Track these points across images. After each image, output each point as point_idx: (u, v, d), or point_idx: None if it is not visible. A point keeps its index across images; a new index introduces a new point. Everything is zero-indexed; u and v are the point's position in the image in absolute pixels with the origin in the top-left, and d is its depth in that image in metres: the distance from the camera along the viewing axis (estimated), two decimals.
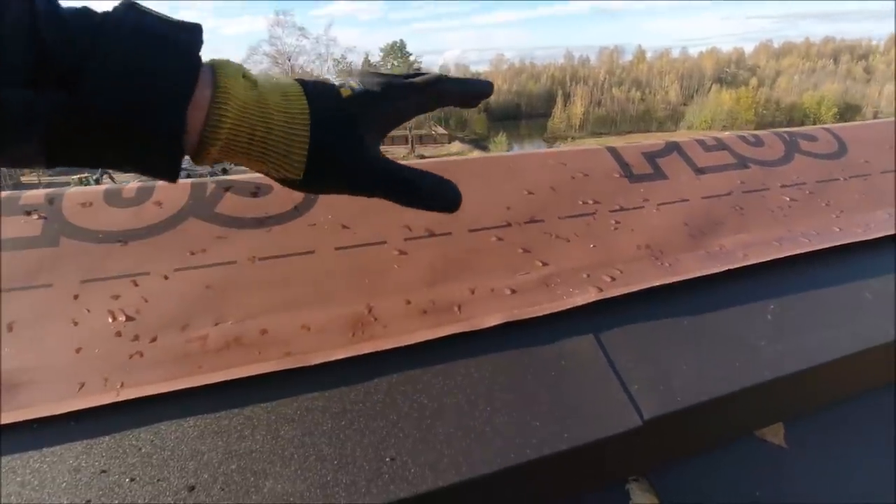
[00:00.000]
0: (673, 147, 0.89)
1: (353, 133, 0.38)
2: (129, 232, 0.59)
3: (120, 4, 0.31)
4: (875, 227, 0.83)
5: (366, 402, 0.51)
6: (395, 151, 41.35)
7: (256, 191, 0.65)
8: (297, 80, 0.38)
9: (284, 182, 0.40)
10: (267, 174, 0.40)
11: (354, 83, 0.40)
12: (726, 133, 0.98)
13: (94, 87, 0.28)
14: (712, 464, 0.64)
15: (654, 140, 0.91)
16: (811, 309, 0.71)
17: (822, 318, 0.70)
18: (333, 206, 0.66)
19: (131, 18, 0.30)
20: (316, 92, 0.38)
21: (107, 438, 0.46)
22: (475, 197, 0.72)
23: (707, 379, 0.60)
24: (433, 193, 0.46)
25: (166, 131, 0.31)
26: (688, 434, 0.63)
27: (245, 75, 0.35)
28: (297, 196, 0.66)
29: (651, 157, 0.86)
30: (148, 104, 0.30)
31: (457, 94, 0.45)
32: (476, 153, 40.49)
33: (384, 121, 0.41)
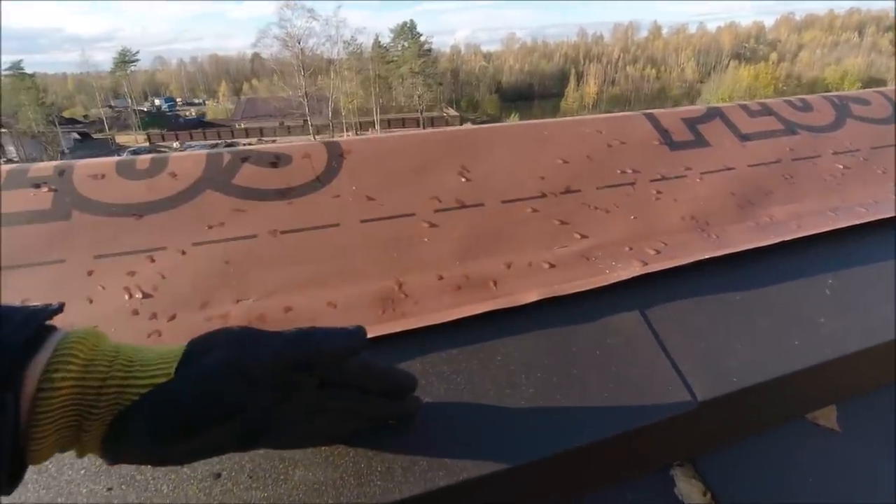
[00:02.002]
0: (715, 112, 0.83)
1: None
2: (143, 205, 0.56)
3: None
4: None
5: None
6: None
7: (276, 161, 0.61)
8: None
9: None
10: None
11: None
12: (771, 98, 0.92)
13: None
14: (760, 448, 0.60)
15: (694, 106, 0.85)
16: (872, 282, 0.65)
17: (883, 292, 0.64)
18: (358, 177, 0.62)
19: None
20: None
21: None
22: (507, 166, 0.67)
23: (763, 358, 0.55)
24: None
25: None
26: (738, 417, 0.58)
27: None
28: (319, 166, 0.62)
29: (692, 123, 0.81)
30: None
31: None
32: None
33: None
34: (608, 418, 0.48)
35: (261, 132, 41.66)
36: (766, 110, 0.86)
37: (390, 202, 0.61)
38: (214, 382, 0.33)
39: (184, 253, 0.53)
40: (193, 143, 39.63)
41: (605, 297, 0.57)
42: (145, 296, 0.50)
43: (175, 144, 38.94)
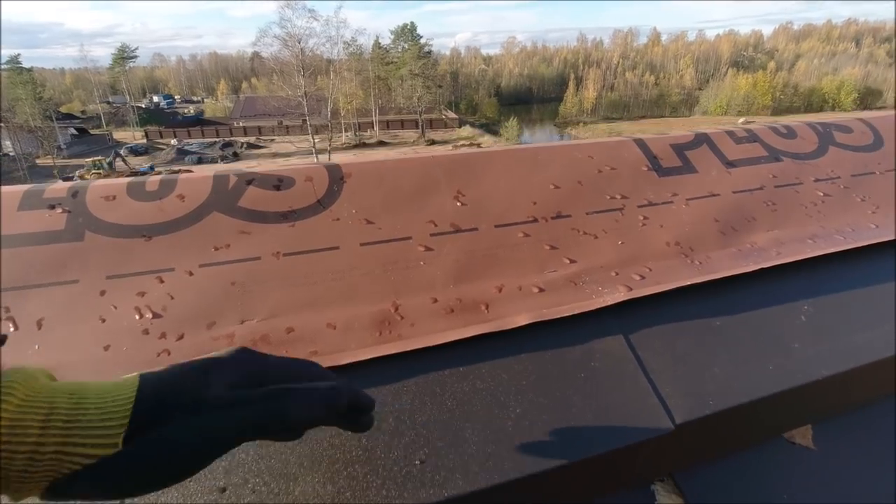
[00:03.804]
0: (702, 139, 0.87)
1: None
2: (152, 226, 0.58)
3: None
4: None
5: (394, 404, 0.51)
6: (405, 136, 41.14)
7: (279, 183, 0.64)
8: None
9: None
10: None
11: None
12: (757, 124, 0.95)
13: None
14: (739, 465, 0.63)
15: (681, 131, 0.88)
16: (846, 309, 0.69)
17: (857, 319, 0.68)
18: (357, 200, 0.65)
19: None
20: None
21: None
22: (501, 190, 0.70)
23: (739, 382, 0.58)
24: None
25: None
26: (716, 436, 0.61)
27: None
28: (321, 189, 0.65)
29: (680, 149, 0.84)
30: None
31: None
32: (487, 138, 40.12)
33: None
34: (591, 439, 0.51)
35: (259, 131, 41.61)
36: (752, 137, 0.89)
37: (388, 225, 0.64)
38: (170, 451, 0.31)
39: (191, 274, 0.56)
40: (191, 140, 39.54)
41: (591, 321, 0.60)
42: (155, 315, 0.52)
43: (173, 141, 38.84)
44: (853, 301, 0.70)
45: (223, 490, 0.43)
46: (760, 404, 0.58)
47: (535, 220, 0.69)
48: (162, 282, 0.55)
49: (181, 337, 0.52)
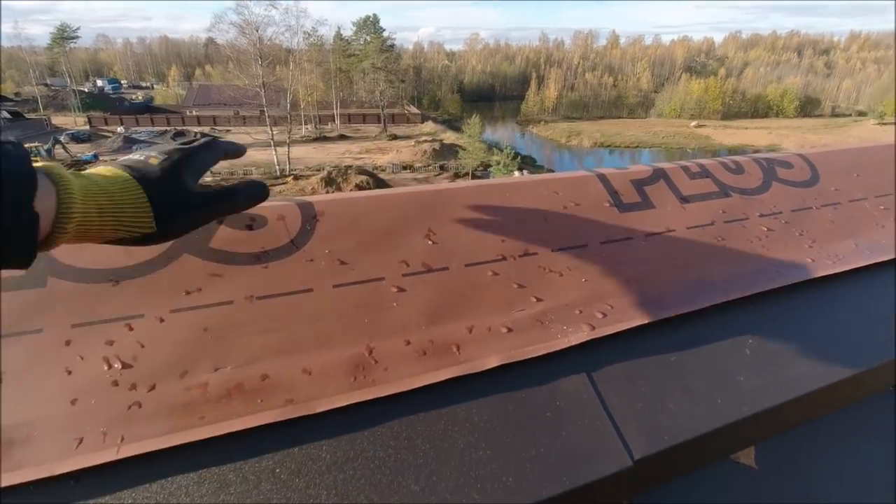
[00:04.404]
0: (660, 174, 0.92)
1: (175, 181, 0.48)
2: (120, 270, 0.57)
3: None
4: (845, 258, 0.88)
5: (369, 451, 0.52)
6: (367, 130, 40.63)
7: (251, 223, 0.64)
8: (110, 166, 0.47)
9: (140, 241, 0.47)
10: (121, 241, 0.46)
11: (154, 154, 0.49)
12: (708, 159, 1.01)
13: None
14: (689, 486, 0.68)
15: (641, 166, 0.93)
16: (786, 342, 0.75)
17: (796, 351, 0.74)
18: (331, 240, 0.65)
19: None
20: (131, 165, 0.47)
21: (109, 498, 0.45)
22: (471, 228, 0.72)
23: (691, 416, 0.63)
24: (248, 194, 0.55)
25: (21, 219, 0.36)
26: (669, 465, 0.66)
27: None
28: (293, 228, 0.65)
29: (639, 184, 0.89)
30: (4, 198, 0.34)
31: (224, 148, 0.57)
32: (449, 134, 40.09)
33: (192, 170, 0.51)
34: (555, 477, 0.54)
35: (214, 121, 40.11)
36: (704, 172, 0.95)
37: (361, 266, 0.65)
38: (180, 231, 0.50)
39: (162, 320, 0.55)
40: (140, 128, 37.65)
41: (556, 360, 0.64)
42: (125, 366, 0.52)
43: (119, 129, 36.87)
44: (792, 333, 0.76)
45: None
46: (712, 434, 0.63)
47: (504, 259, 0.71)
48: (131, 329, 0.54)
49: (152, 388, 0.51)
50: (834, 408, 0.76)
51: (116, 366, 0.52)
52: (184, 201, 0.48)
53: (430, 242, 0.69)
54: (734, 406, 0.65)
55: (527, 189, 0.81)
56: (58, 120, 42.56)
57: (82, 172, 0.44)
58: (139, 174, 0.46)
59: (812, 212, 0.96)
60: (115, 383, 0.51)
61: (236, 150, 0.59)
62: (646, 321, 0.69)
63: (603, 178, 0.87)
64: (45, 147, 27.32)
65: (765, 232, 0.89)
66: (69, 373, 0.50)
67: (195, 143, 0.53)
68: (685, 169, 0.95)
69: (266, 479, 0.48)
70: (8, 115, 37.33)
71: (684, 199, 0.89)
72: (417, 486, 0.51)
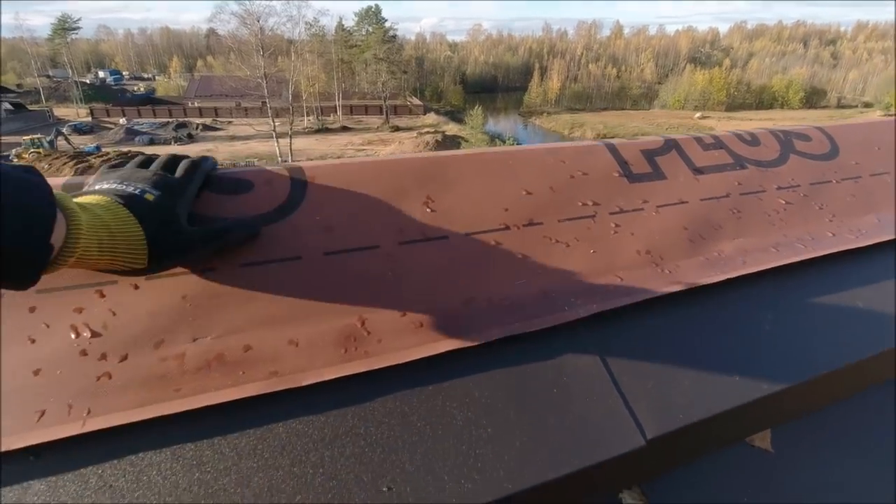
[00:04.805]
0: (671, 145, 0.87)
1: (171, 220, 0.49)
2: None
3: None
4: (867, 232, 0.83)
5: (360, 427, 0.48)
6: (369, 121, 40.45)
7: (236, 188, 0.60)
8: (105, 195, 0.47)
9: (130, 273, 0.48)
10: (114, 271, 0.48)
11: (149, 190, 0.50)
12: (722, 131, 0.96)
13: None
14: (702, 470, 0.64)
15: (652, 137, 0.88)
16: (807, 318, 0.70)
17: (817, 328, 0.69)
18: (321, 206, 0.61)
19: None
20: (127, 196, 0.48)
21: (72, 475, 0.41)
22: (472, 197, 0.68)
23: (707, 395, 0.59)
24: (239, 235, 0.55)
25: (39, 252, 0.37)
26: (683, 446, 0.62)
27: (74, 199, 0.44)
28: (282, 195, 0.61)
29: (650, 154, 0.84)
30: (28, 231, 0.36)
31: (206, 170, 0.58)
32: (451, 125, 39.89)
33: (184, 203, 0.52)
34: (563, 458, 0.50)
35: (216, 112, 39.97)
36: (719, 144, 0.90)
37: (355, 234, 0.60)
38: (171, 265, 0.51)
39: (136, 287, 0.51)
40: (142, 120, 37.55)
41: (563, 334, 0.59)
42: (94, 335, 0.48)
43: (122, 120, 36.75)
44: (812, 311, 0.72)
45: None
46: (727, 414, 0.59)
47: (507, 228, 0.67)
48: (103, 296, 0.50)
49: (124, 358, 0.47)
50: (861, 388, 0.72)
51: (85, 334, 0.47)
52: (178, 242, 0.49)
53: (428, 210, 0.65)
54: (753, 384, 0.61)
55: (532, 158, 0.76)
56: (60, 111, 42.46)
57: (83, 202, 0.45)
58: (137, 212, 0.47)
59: (832, 185, 0.91)
60: (84, 353, 0.46)
61: (214, 167, 0.60)
62: (658, 294, 0.65)
63: (612, 148, 0.83)
64: (48, 139, 27.21)
65: (783, 205, 0.84)
66: (32, 341, 0.46)
67: (183, 175, 0.54)
68: (698, 140, 0.90)
69: (247, 457, 0.44)
70: (10, 107, 37.20)
71: (698, 171, 0.84)
72: (412, 465, 0.47)
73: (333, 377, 0.49)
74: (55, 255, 0.39)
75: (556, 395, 0.54)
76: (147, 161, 0.55)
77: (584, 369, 0.57)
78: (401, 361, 0.52)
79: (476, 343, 0.55)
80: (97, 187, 0.50)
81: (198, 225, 0.52)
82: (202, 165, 0.57)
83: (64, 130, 30.12)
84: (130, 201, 0.47)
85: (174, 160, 0.56)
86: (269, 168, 0.63)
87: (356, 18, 48.09)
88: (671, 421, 0.55)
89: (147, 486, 0.41)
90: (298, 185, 0.62)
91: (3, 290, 0.47)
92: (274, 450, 0.45)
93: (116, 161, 0.56)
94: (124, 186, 0.49)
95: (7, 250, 0.35)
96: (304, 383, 0.48)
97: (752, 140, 0.94)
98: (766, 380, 0.62)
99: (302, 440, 0.46)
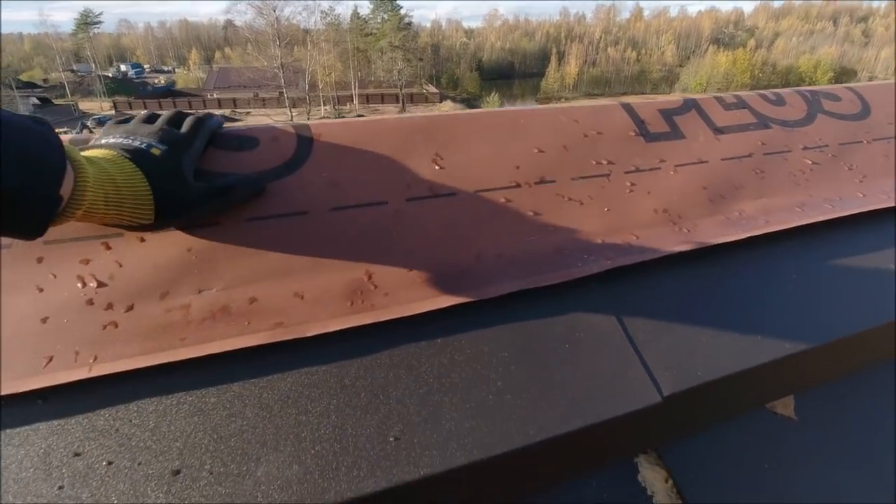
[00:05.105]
0: (691, 104, 0.83)
1: (177, 175, 0.49)
2: None
3: None
4: None
5: (367, 378, 0.47)
6: (385, 110, 40.38)
7: (241, 144, 0.59)
8: (111, 149, 0.47)
9: (137, 228, 0.49)
10: (121, 226, 0.48)
11: (155, 145, 0.49)
12: (745, 91, 0.92)
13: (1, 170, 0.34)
14: (722, 437, 0.62)
15: (671, 97, 0.85)
16: (834, 279, 0.67)
17: (844, 290, 0.66)
18: (328, 163, 0.60)
19: (5, 117, 0.36)
20: (133, 151, 0.47)
21: (80, 418, 0.41)
22: (482, 155, 0.66)
23: (726, 354, 0.57)
24: (244, 191, 0.54)
25: (47, 202, 0.37)
26: (701, 408, 0.60)
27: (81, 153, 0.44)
28: (287, 151, 0.60)
29: (668, 114, 0.81)
30: (38, 181, 0.36)
31: (211, 128, 0.57)
32: None
33: (190, 158, 0.52)
34: (576, 412, 0.48)
35: (234, 103, 40.31)
36: (741, 103, 0.87)
37: (362, 190, 0.59)
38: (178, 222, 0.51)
39: (142, 240, 0.51)
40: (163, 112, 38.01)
41: (575, 290, 0.57)
42: (100, 285, 0.47)
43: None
44: (840, 271, 0.69)
45: (176, 472, 0.39)
46: (747, 374, 0.57)
47: (518, 186, 0.65)
48: (109, 248, 0.50)
49: (130, 308, 0.47)
50: (892, 353, 0.69)
51: (92, 285, 0.47)
52: (184, 197, 0.49)
53: (436, 168, 0.63)
54: (775, 344, 0.59)
55: (544, 117, 0.74)
56: (84, 105, 43.32)
57: (89, 155, 0.45)
58: (143, 166, 0.47)
59: (862, 146, 0.87)
60: (90, 302, 0.46)
61: (220, 125, 0.59)
62: (675, 252, 0.63)
63: (628, 107, 0.80)
64: (74, 132, 27.89)
65: (809, 165, 0.80)
66: (40, 290, 0.46)
67: (188, 130, 0.53)
68: (719, 100, 0.86)
69: (251, 405, 0.44)
70: (37, 102, 38.06)
71: (718, 130, 0.81)
72: (419, 417, 0.46)
73: (339, 328, 0.49)
74: (63, 206, 0.39)
75: (568, 351, 0.53)
76: (153, 117, 0.55)
77: (598, 325, 0.55)
78: (408, 314, 0.51)
79: (486, 298, 0.54)
80: (103, 141, 0.49)
81: (204, 181, 0.51)
82: (208, 122, 0.57)
83: (89, 124, 30.74)
84: (137, 155, 0.47)
85: (180, 116, 0.56)
86: (275, 125, 0.62)
87: (371, 6, 47.82)
88: (689, 378, 0.54)
89: (152, 431, 0.41)
90: (305, 141, 0.61)
91: (12, 241, 0.48)
92: (279, 398, 0.45)
93: (122, 118, 0.55)
94: (130, 140, 0.48)
95: (16, 199, 0.35)
96: (310, 334, 0.48)
97: (777, 100, 0.90)
98: (788, 340, 0.59)
99: (308, 390, 0.46)
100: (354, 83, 42.79)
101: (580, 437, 0.49)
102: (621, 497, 0.54)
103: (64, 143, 0.40)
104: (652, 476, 0.58)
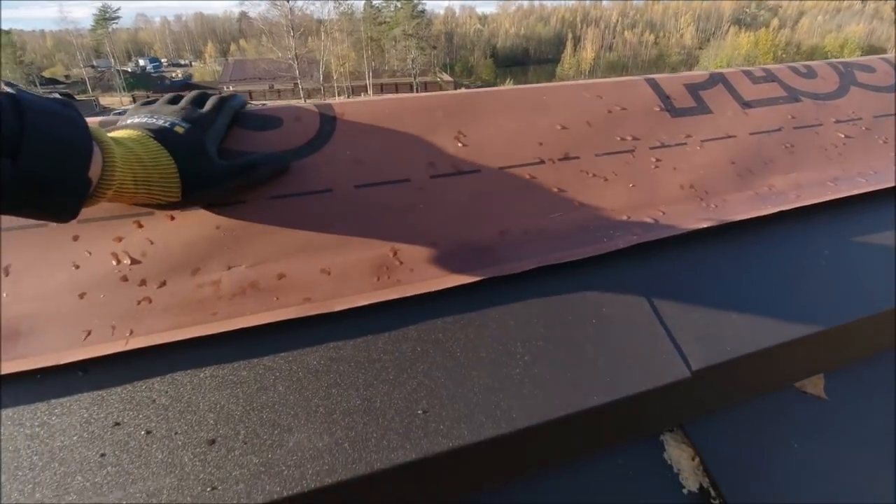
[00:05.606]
0: (717, 78, 0.81)
1: (202, 152, 0.50)
2: None
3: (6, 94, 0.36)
4: None
5: (394, 352, 0.48)
6: None
7: (265, 124, 0.59)
8: (136, 129, 0.48)
9: (165, 207, 0.50)
10: (149, 204, 0.49)
11: (179, 123, 0.50)
12: (775, 64, 0.90)
13: (30, 156, 0.35)
14: (749, 415, 0.61)
15: (697, 71, 0.83)
16: (867, 255, 0.65)
17: (878, 265, 0.65)
18: (351, 141, 0.60)
19: (31, 100, 0.36)
20: (157, 130, 0.48)
21: (118, 389, 0.42)
22: (505, 132, 0.65)
23: (757, 328, 0.56)
24: (269, 168, 0.55)
25: (77, 185, 0.38)
26: (729, 385, 0.59)
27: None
28: (311, 129, 0.60)
29: (694, 89, 0.79)
30: (66, 164, 0.37)
31: (234, 107, 0.58)
32: None
33: (213, 136, 0.52)
34: (603, 386, 0.48)
35: (250, 95, 40.57)
36: (770, 76, 0.84)
37: (385, 167, 0.59)
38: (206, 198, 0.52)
39: (173, 218, 0.51)
40: None
41: (601, 266, 0.57)
42: (134, 262, 0.48)
43: None
44: (873, 246, 0.67)
45: (212, 442, 0.40)
46: (777, 351, 0.56)
47: (542, 162, 0.64)
48: (141, 226, 0.51)
49: (163, 284, 0.48)
50: None
51: (125, 262, 0.48)
52: (209, 174, 0.50)
53: (459, 145, 0.63)
54: (806, 319, 0.57)
55: (567, 93, 0.73)
56: (105, 100, 44.04)
57: (116, 136, 0.45)
58: (168, 145, 0.47)
59: None
60: (125, 279, 0.47)
61: (242, 105, 0.60)
62: (702, 227, 0.61)
63: (653, 82, 0.78)
64: None
65: (842, 139, 0.78)
66: (77, 267, 0.47)
67: (211, 109, 0.54)
68: (747, 73, 0.84)
69: (282, 378, 0.45)
70: (59, 98, 38.78)
71: (746, 105, 0.79)
72: (447, 390, 0.46)
73: (367, 303, 0.49)
74: (93, 188, 0.40)
75: (595, 325, 0.52)
76: (176, 98, 0.55)
77: (625, 301, 0.55)
78: (434, 289, 0.51)
79: (511, 273, 0.54)
80: (128, 122, 0.50)
81: (228, 159, 0.52)
82: (230, 101, 0.57)
83: (110, 117, 31.21)
84: (161, 134, 0.48)
85: (203, 96, 0.56)
86: (298, 105, 0.62)
87: None
88: (718, 353, 0.53)
89: (188, 402, 0.42)
90: (328, 120, 0.61)
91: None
92: (309, 372, 0.45)
93: (149, 99, 0.56)
94: (154, 119, 0.49)
95: (46, 184, 0.36)
96: (337, 309, 0.48)
97: (808, 72, 0.87)
98: (820, 317, 0.58)
99: (336, 364, 0.46)
100: (368, 73, 42.68)
101: (607, 412, 0.48)
102: (647, 474, 0.54)
103: (90, 125, 0.41)
104: (678, 454, 0.58)
